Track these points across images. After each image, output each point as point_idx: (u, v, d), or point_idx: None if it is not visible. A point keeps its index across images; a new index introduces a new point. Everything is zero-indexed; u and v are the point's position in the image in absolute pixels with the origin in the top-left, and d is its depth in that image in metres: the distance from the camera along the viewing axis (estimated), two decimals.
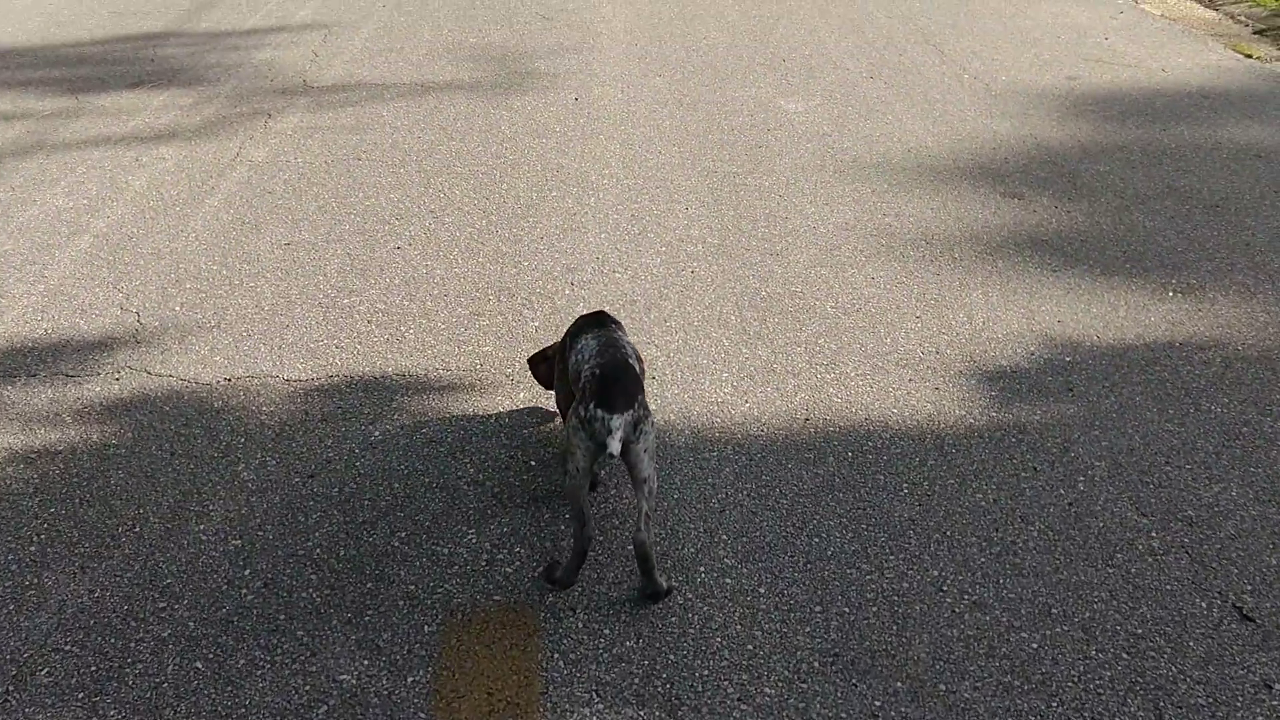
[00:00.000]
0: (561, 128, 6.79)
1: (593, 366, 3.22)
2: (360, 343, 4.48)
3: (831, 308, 4.73)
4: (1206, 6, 10.12)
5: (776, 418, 3.99)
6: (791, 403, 4.08)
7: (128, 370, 4.32)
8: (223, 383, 4.23)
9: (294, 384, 4.22)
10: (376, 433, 3.92)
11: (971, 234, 5.42)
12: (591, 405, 3.08)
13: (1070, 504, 3.57)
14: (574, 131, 6.73)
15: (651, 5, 9.66)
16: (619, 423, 3.05)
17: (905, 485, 3.65)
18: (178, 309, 4.76)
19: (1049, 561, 3.33)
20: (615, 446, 3.04)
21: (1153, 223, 5.53)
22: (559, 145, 6.51)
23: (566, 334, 3.67)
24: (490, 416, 4.01)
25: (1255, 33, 9.25)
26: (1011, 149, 6.46)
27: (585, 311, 3.79)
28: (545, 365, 3.85)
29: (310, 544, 3.40)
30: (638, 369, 3.32)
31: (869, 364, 4.32)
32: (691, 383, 4.20)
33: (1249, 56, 8.36)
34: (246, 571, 3.30)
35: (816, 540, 3.41)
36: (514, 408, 4.06)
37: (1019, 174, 6.10)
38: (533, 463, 3.77)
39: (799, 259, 5.15)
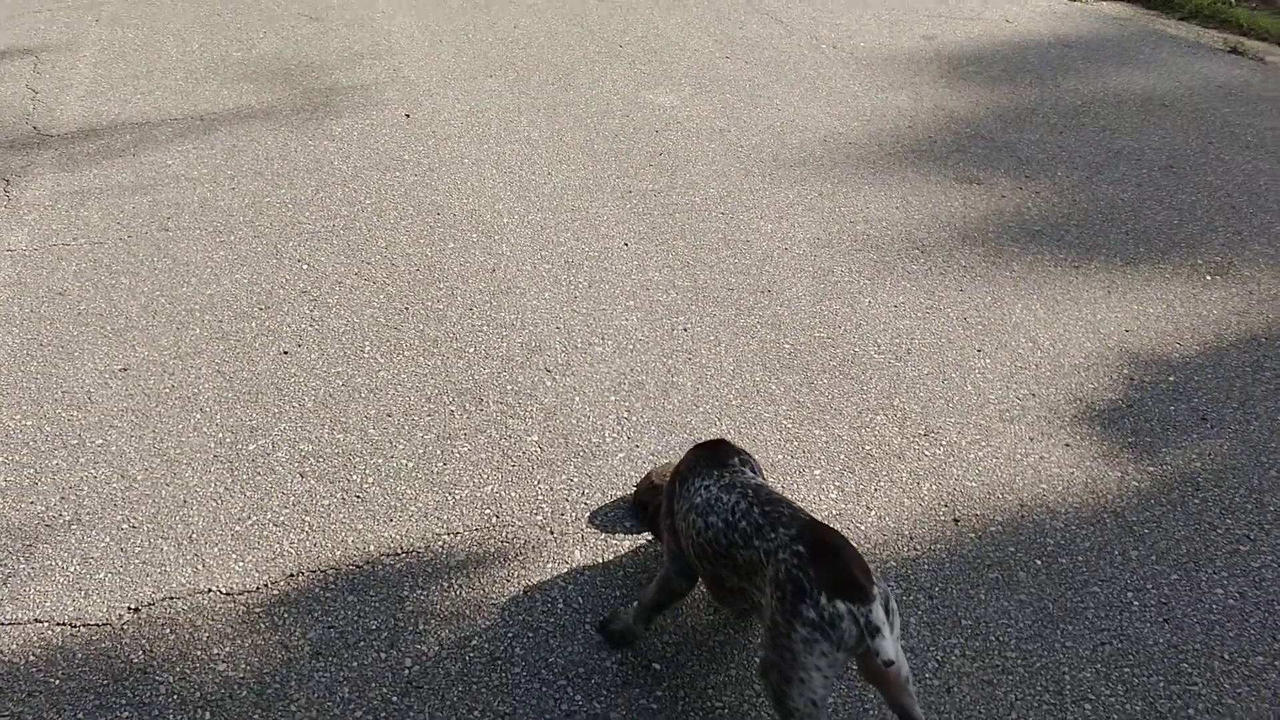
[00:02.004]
0: (411, 155, 5.49)
1: (785, 541, 2.16)
2: (305, 511, 3.15)
3: (877, 353, 3.84)
4: None
5: (919, 525, 3.07)
6: (922, 498, 3.17)
7: None
8: (127, 614, 2.80)
9: (240, 599, 2.85)
10: (377, 680, 2.66)
11: (958, 232, 4.68)
12: (824, 598, 2.05)
13: None
14: (429, 159, 5.44)
15: None
16: (880, 613, 2.04)
17: (1132, 596, 2.83)
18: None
19: None
20: (890, 648, 2.03)
21: (1126, 193, 5.01)
22: (421, 178, 5.22)
23: (672, 477, 2.58)
24: (550, 603, 2.84)
25: None
26: (925, 124, 5.80)
27: (701, 440, 2.71)
28: (652, 509, 2.77)
29: None
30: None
31: (971, 424, 3.47)
32: (783, 491, 3.19)
33: (1073, 0, 8.17)
34: None
35: (1087, 707, 2.52)
36: (579, 581, 2.91)
37: (956, 153, 5.44)
38: (658, 687, 2.65)
39: (795, 293, 4.22)
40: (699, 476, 2.44)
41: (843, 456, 3.34)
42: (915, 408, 3.56)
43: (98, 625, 2.78)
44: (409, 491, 3.21)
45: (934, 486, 3.22)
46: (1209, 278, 4.32)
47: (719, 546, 2.31)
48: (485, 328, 4.02)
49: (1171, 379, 3.71)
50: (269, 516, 3.13)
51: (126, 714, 2.54)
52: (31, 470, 3.34)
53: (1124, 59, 6.76)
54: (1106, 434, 3.44)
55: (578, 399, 3.61)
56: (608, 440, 3.42)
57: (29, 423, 3.56)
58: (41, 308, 4.22)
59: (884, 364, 3.79)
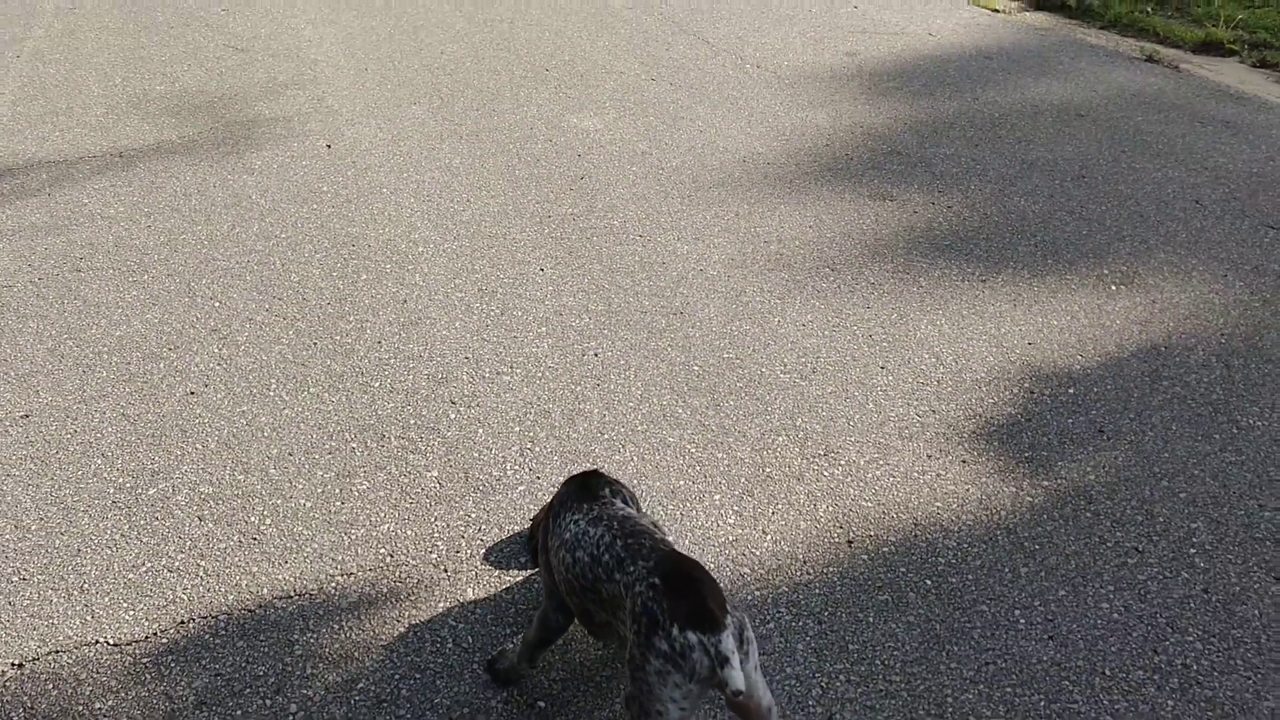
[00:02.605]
0: (329, 186, 5.47)
1: (643, 574, 2.17)
2: (201, 555, 3.12)
3: (783, 373, 3.87)
4: None
5: (814, 548, 3.09)
6: (818, 520, 3.19)
7: None
8: (10, 670, 2.77)
9: (128, 649, 2.82)
10: None
11: (869, 249, 4.72)
12: (675, 629, 2.06)
13: (1205, 589, 2.92)
14: (347, 190, 5.43)
15: (360, 21, 8.32)
16: (730, 642, 2.05)
17: (1019, 613, 2.86)
18: None
19: (1263, 682, 2.66)
20: (739, 678, 2.04)
21: (1037, 205, 5.08)
22: (337, 210, 5.21)
23: (546, 512, 2.59)
24: (439, 643, 2.83)
25: None
26: (843, 141, 5.85)
27: (574, 471, 2.71)
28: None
29: None
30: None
31: (871, 443, 3.50)
32: (683, 520, 3.21)
33: (995, 11, 8.29)
34: None
35: None
36: (470, 619, 2.90)
37: (872, 170, 5.49)
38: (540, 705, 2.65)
39: (707, 314, 4.25)
40: (569, 510, 2.45)
41: (743, 480, 3.36)
42: (817, 427, 3.59)
43: None
44: (305, 532, 3.19)
45: (830, 508, 3.24)
46: (1114, 288, 4.39)
47: (585, 581, 2.31)
48: (393, 360, 4.01)
49: (1071, 391, 3.76)
50: (163, 563, 3.10)
51: None
52: None
53: (1043, 69, 6.86)
54: (1003, 449, 3.48)
55: (481, 431, 3.61)
56: (509, 473, 3.42)
57: None
58: None
59: (789, 384, 3.81)
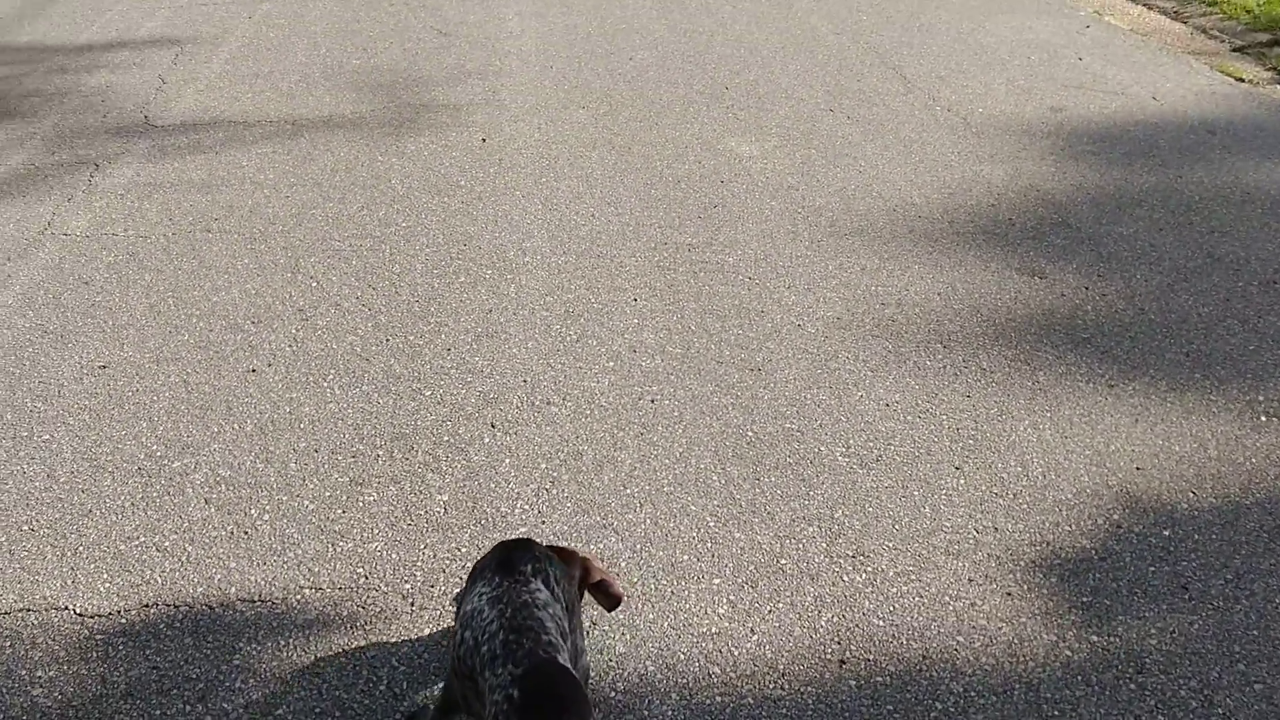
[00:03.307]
0: (467, 181, 5.47)
1: (506, 681, 1.95)
2: (191, 540, 3.12)
3: (843, 456, 3.53)
4: (1173, 19, 9.22)
5: (799, 661, 2.78)
6: (817, 630, 2.87)
7: None
8: None
9: (89, 622, 2.85)
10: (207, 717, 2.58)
11: (995, 330, 4.28)
12: None
13: None
14: (483, 186, 5.41)
15: (566, 18, 8.35)
16: None
17: None
18: None
19: None
20: None
21: (1206, 307, 4.47)
22: (465, 206, 5.19)
23: (470, 577, 2.40)
24: (374, 682, 2.70)
25: (1234, 50, 8.35)
26: (1012, 204, 5.36)
27: (508, 538, 2.53)
28: None
29: None
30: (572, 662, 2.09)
31: (909, 553, 3.13)
32: (671, 599, 2.96)
33: (1240, 80, 7.43)
34: None
35: None
36: (413, 663, 2.76)
37: (1030, 240, 4.99)
38: None
39: (786, 375, 3.94)
40: (481, 581, 2.27)
41: (751, 567, 3.08)
42: (855, 523, 3.25)
43: None
44: (295, 535, 3.15)
45: (835, 618, 2.91)
46: (1263, 419, 3.80)
47: (466, 667, 2.13)
48: (453, 371, 3.93)
49: (1166, 534, 3.26)
50: (155, 540, 3.13)
51: None
52: None
53: (1269, 151, 6.09)
54: (1060, 588, 3.04)
55: (507, 461, 3.47)
56: (516, 512, 3.26)
57: (2, 409, 3.70)
58: (63, 295, 4.40)
59: (844, 468, 3.48)
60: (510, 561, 2.28)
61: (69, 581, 2.98)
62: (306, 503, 3.28)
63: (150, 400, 3.75)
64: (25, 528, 3.18)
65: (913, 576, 3.06)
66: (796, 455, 3.54)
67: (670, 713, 2.62)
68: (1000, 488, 3.42)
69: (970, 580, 3.06)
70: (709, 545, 3.15)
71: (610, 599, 2.55)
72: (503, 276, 4.59)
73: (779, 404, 3.80)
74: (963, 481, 3.45)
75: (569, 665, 2.05)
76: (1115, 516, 3.32)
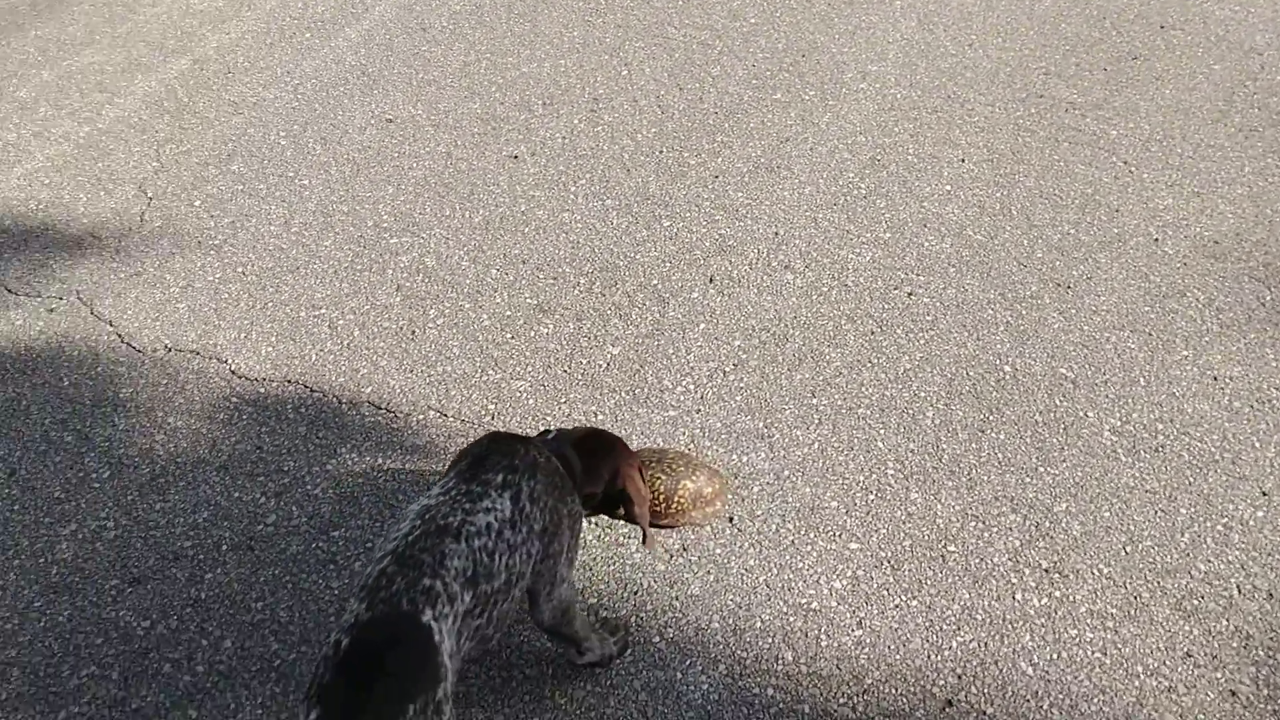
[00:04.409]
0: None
1: (347, 623, 1.63)
2: (362, 326, 3.06)
3: (1112, 433, 2.73)
4: None
5: (896, 684, 2.23)
6: (940, 651, 2.27)
7: (71, 299, 3.19)
8: (163, 353, 3.00)
9: (235, 382, 2.90)
10: (318, 493, 2.55)
11: None
12: (304, 709, 1.55)
13: None
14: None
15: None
16: None
17: None
18: (195, 206, 3.55)
19: None
20: None
21: None
22: (828, 10, 4.52)
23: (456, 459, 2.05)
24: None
25: None
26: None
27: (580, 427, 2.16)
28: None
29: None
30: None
31: (1125, 591, 2.38)
32: (786, 550, 2.47)
33: None
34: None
35: None
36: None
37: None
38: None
39: (1097, 304, 3.07)
40: (447, 476, 1.93)
41: (908, 544, 2.48)
42: (1073, 527, 2.50)
43: (140, 348, 3.02)
44: (454, 351, 2.98)
45: (972, 644, 2.28)
46: None
47: (362, 577, 1.79)
48: (706, 203, 3.50)
49: None
50: (333, 315, 3.11)
51: None
52: (235, 205, 3.61)
53: None
54: None
55: (701, 326, 3.04)
56: (676, 390, 2.86)
57: (278, 148, 3.83)
58: (397, 39, 4.42)
59: (1103, 449, 2.68)
60: (481, 464, 1.89)
61: (241, 335, 3.04)
62: (484, 318, 3.08)
63: (407, 166, 3.69)
64: (240, 269, 3.28)
65: (1110, 624, 2.31)
66: (1049, 414, 2.76)
67: (706, 688, 2.19)
68: None
69: (1188, 655, 2.25)
70: (870, 498, 2.57)
71: (628, 517, 2.15)
72: (824, 102, 3.95)
73: (1066, 339, 2.98)
74: (1263, 514, 2.52)
75: (439, 622, 1.65)
76: None
